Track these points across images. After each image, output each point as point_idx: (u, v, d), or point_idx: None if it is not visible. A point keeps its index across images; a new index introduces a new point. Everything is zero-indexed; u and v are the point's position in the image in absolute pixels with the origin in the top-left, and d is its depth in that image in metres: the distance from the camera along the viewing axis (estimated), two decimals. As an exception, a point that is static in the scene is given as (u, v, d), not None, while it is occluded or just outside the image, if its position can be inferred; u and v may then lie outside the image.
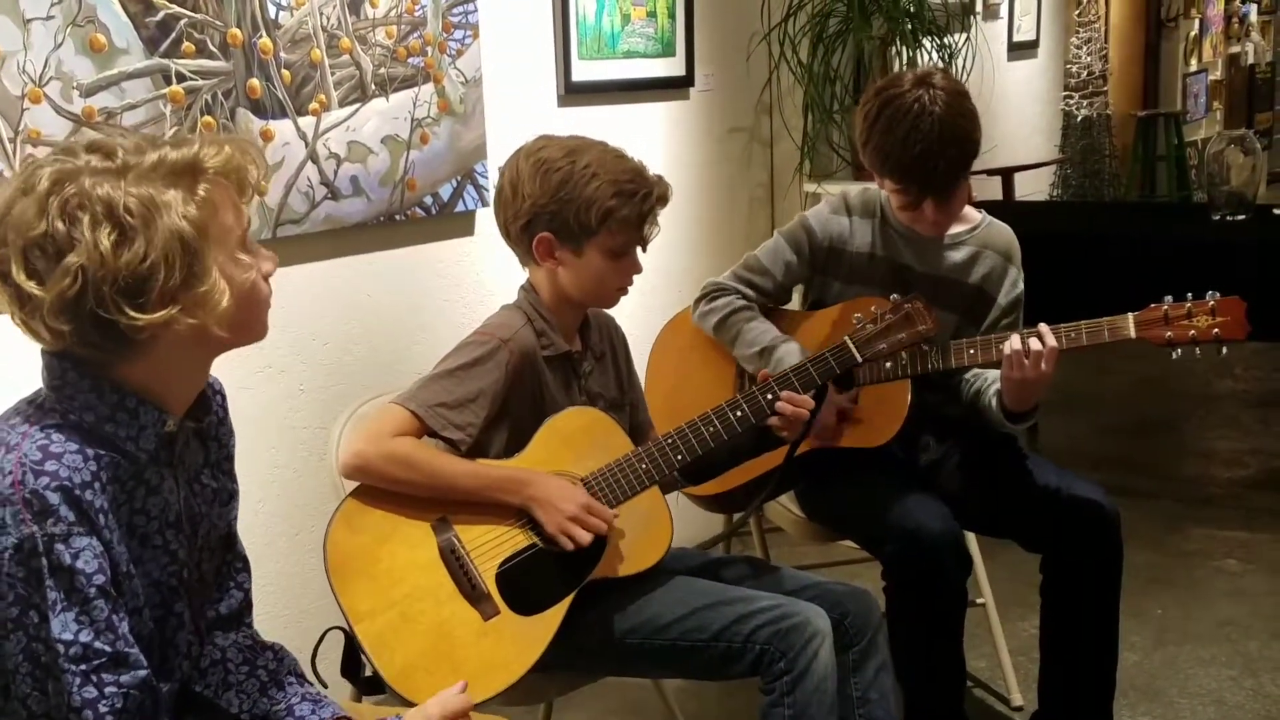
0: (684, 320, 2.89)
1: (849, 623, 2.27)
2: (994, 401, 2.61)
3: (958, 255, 2.74)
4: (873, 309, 2.38)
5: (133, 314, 1.43)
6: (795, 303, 2.92)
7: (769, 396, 2.29)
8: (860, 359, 2.34)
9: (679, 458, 2.26)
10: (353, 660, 2.11)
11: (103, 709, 1.44)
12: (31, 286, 1.42)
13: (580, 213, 2.21)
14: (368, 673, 2.09)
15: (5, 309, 1.47)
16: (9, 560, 1.41)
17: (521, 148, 2.30)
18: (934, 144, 2.51)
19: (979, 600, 3.16)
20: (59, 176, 1.44)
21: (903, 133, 2.52)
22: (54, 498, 1.42)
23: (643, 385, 2.70)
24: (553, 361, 2.29)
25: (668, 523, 2.29)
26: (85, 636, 1.43)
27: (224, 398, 1.72)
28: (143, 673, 1.48)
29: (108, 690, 1.44)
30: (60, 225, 1.41)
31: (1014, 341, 2.47)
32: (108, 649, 1.44)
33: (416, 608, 2.09)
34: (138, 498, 1.53)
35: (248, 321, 1.58)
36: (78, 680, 1.43)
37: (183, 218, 1.45)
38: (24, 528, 1.41)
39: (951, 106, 2.53)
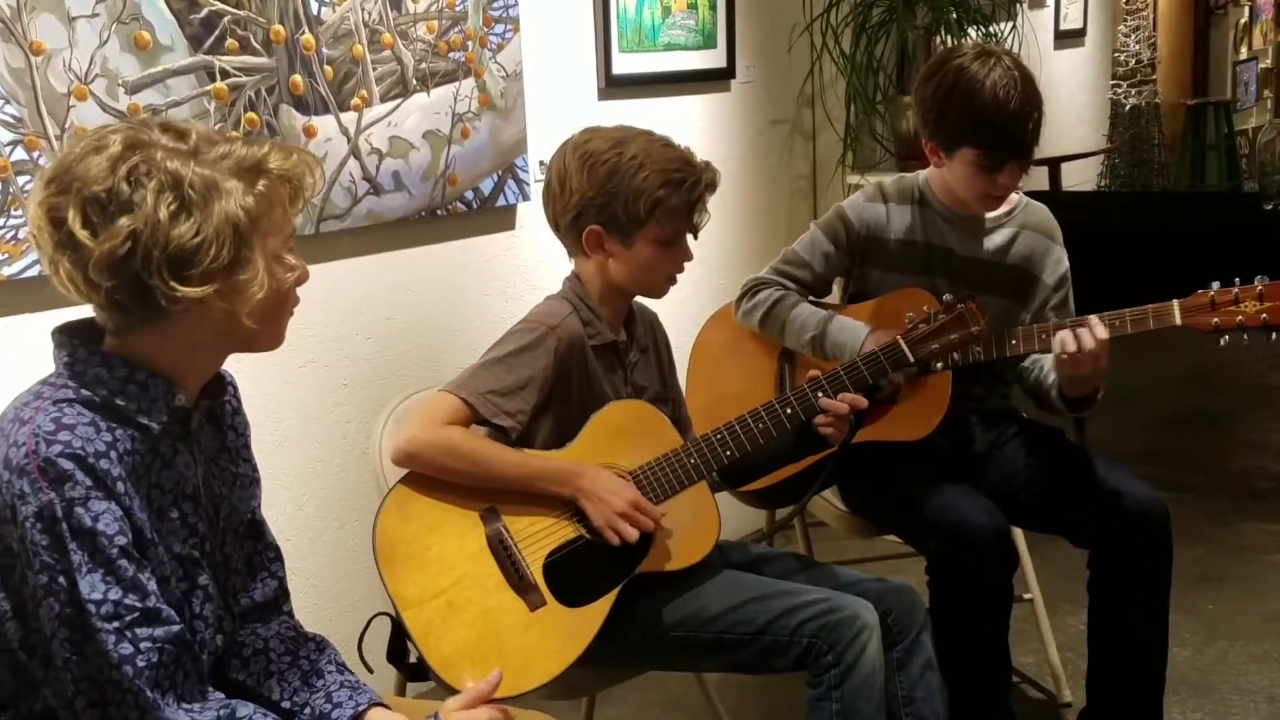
0: (726, 315, 2.89)
1: (892, 620, 2.27)
2: (1054, 392, 2.62)
3: (999, 238, 2.75)
4: (925, 308, 2.38)
5: (174, 284, 1.48)
6: (835, 295, 2.92)
7: (819, 394, 2.30)
8: (912, 359, 2.34)
9: (728, 453, 2.27)
10: (398, 646, 2.14)
11: (140, 663, 1.47)
12: (85, 236, 1.47)
13: (629, 204, 2.23)
14: (412, 658, 2.12)
15: (46, 254, 1.51)
16: (31, 528, 1.45)
17: (568, 140, 2.32)
18: (1024, 103, 2.53)
19: (1026, 596, 3.16)
20: (132, 142, 1.50)
21: (990, 95, 2.52)
22: (67, 464, 1.46)
23: (685, 380, 2.71)
24: (599, 350, 2.31)
25: (715, 518, 2.30)
26: (114, 594, 1.47)
27: (236, 388, 1.77)
28: (176, 627, 1.51)
29: (143, 645, 1.47)
30: (125, 186, 1.47)
31: (1065, 339, 2.46)
32: (138, 605, 1.48)
33: (464, 596, 2.12)
34: (154, 471, 1.57)
35: (274, 320, 1.63)
36: (112, 638, 1.46)
37: (239, 205, 1.51)
38: (42, 495, 1.45)
39: (1023, 69, 2.57)
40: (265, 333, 1.62)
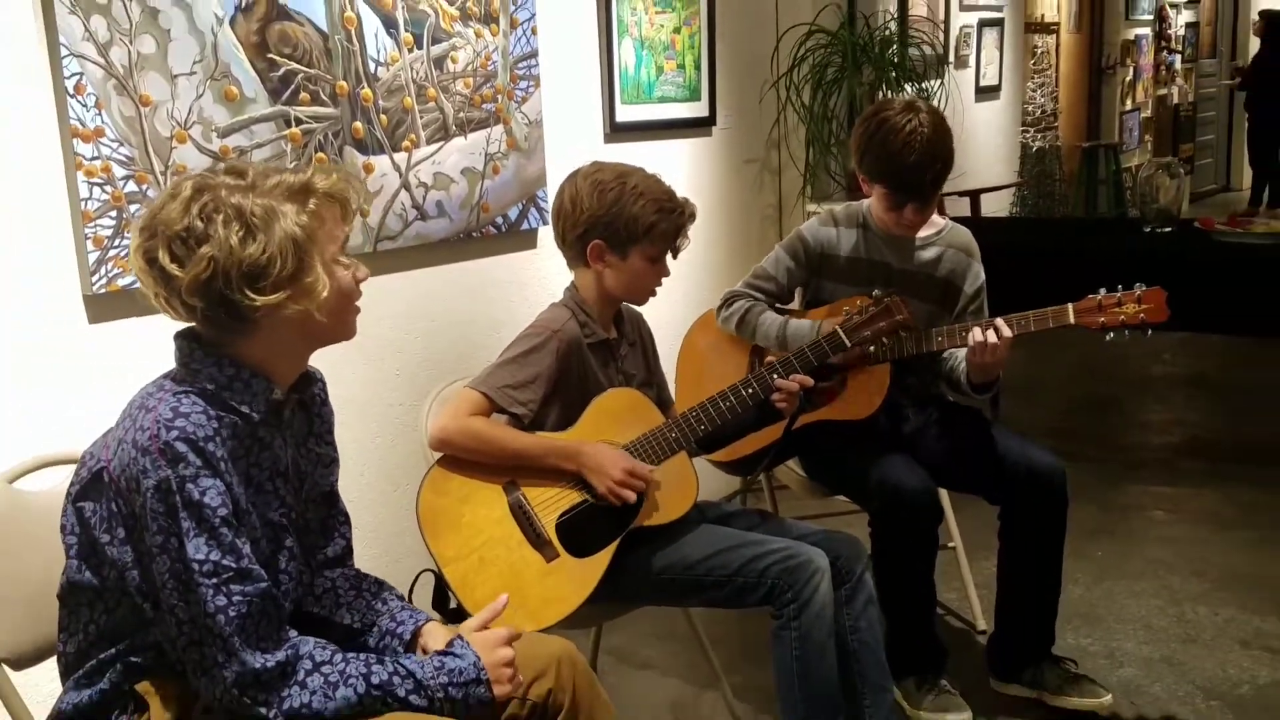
0: (707, 321, 2.88)
1: (841, 564, 2.26)
2: (963, 378, 2.60)
3: (928, 254, 2.73)
4: (858, 302, 2.37)
5: (251, 295, 1.48)
6: (796, 303, 2.90)
7: (774, 376, 2.29)
8: (849, 344, 2.34)
9: (702, 427, 2.27)
10: (441, 595, 2.14)
11: (232, 613, 1.47)
12: (174, 269, 1.47)
13: (629, 224, 2.22)
14: (452, 605, 2.11)
15: (150, 289, 1.52)
16: (151, 498, 1.45)
17: (578, 170, 2.31)
18: (924, 158, 2.50)
19: (950, 544, 3.15)
20: (200, 186, 1.50)
21: (898, 147, 2.50)
22: (182, 447, 1.45)
23: (674, 372, 2.70)
24: (595, 347, 2.30)
25: (694, 481, 2.29)
26: (214, 556, 1.46)
27: (324, 384, 1.75)
28: (263, 584, 1.50)
29: (235, 599, 1.47)
30: (199, 223, 1.48)
31: (976, 333, 2.45)
32: (233, 565, 1.47)
33: (492, 553, 2.11)
34: (253, 452, 1.57)
35: (342, 314, 1.61)
36: (210, 591, 1.46)
37: (295, 224, 1.51)
38: (161, 471, 1.45)
39: (936, 127, 2.53)
40: (337, 325, 1.61)
